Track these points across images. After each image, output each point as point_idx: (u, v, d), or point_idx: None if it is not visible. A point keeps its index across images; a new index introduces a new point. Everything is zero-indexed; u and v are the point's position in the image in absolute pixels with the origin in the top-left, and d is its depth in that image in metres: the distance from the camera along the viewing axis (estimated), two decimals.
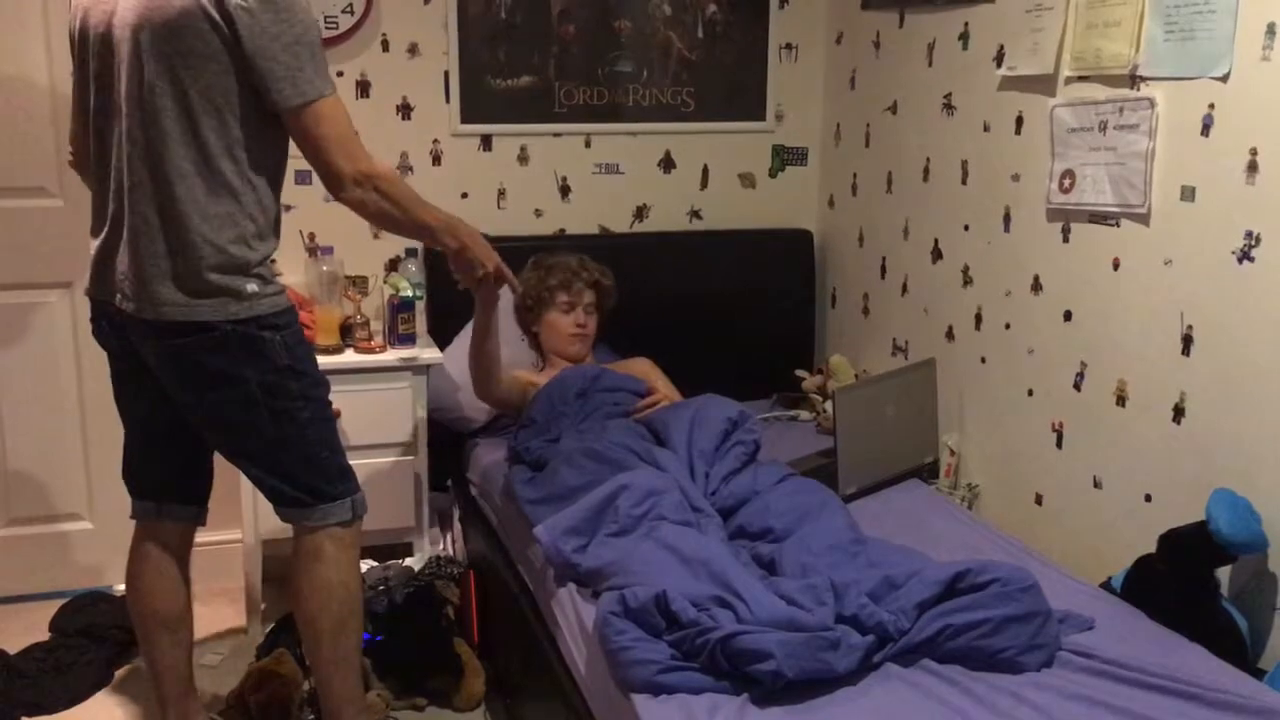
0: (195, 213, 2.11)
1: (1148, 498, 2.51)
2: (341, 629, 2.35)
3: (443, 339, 3.39)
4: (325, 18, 3.32)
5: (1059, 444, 2.79)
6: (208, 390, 2.21)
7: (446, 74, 3.51)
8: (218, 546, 3.27)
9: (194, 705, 2.53)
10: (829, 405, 3.53)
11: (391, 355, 3.17)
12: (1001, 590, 2.06)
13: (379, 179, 2.19)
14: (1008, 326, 2.97)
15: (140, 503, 2.43)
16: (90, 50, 2.19)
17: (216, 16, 2.04)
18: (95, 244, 2.25)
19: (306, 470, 2.28)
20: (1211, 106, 2.29)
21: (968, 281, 3.13)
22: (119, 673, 2.98)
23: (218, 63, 2.07)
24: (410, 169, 3.53)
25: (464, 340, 3.40)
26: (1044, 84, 2.76)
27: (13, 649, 2.97)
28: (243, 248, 2.16)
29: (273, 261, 2.27)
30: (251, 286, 2.16)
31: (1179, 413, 2.42)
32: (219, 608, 3.30)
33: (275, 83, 2.08)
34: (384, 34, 3.43)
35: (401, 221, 2.29)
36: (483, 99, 3.55)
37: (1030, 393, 2.88)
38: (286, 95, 2.09)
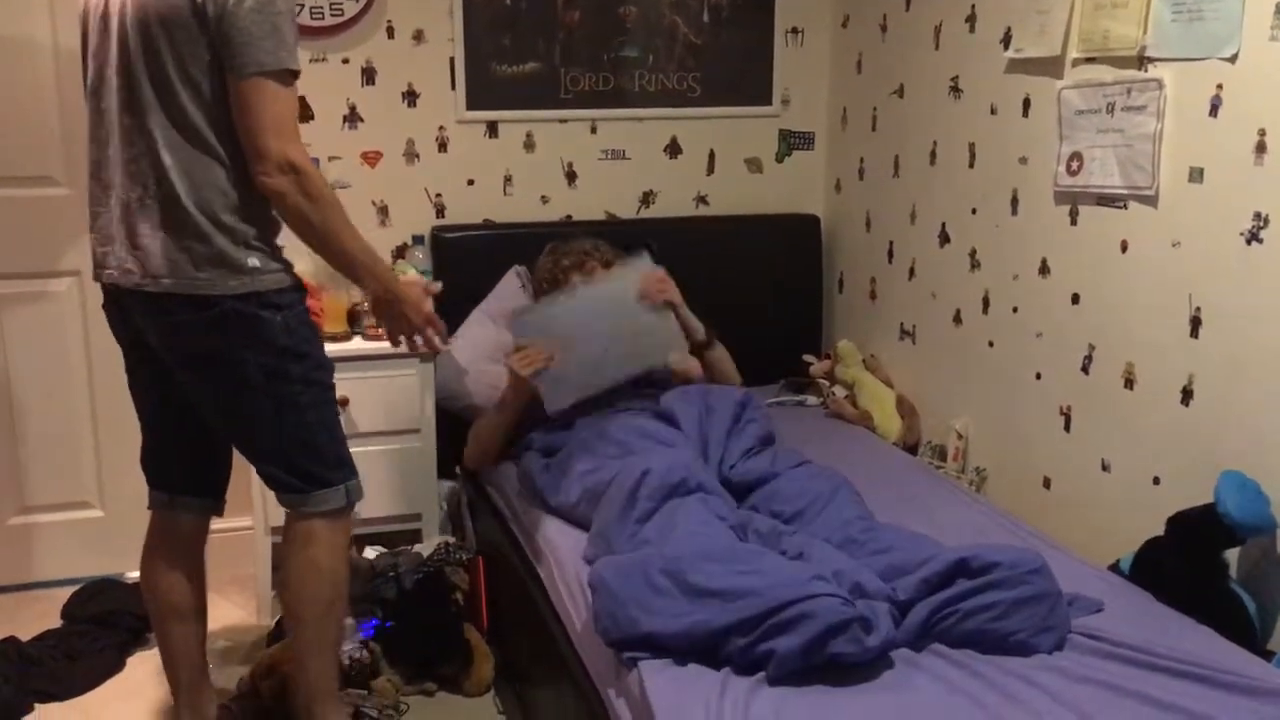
0: (186, 183, 2.10)
1: (1156, 480, 2.51)
2: (327, 613, 2.35)
3: (450, 325, 3.39)
4: (330, 4, 3.33)
5: (1067, 427, 2.79)
6: (206, 370, 2.20)
7: (452, 60, 3.50)
8: (228, 534, 3.27)
9: (207, 693, 2.54)
10: (837, 389, 3.54)
11: None
12: (1010, 573, 2.06)
13: (303, 173, 2.08)
14: (1015, 310, 2.96)
15: (155, 492, 2.44)
16: (91, 28, 2.21)
17: None
18: (95, 224, 2.24)
19: (304, 454, 2.27)
20: (1220, 87, 2.28)
21: (975, 265, 3.12)
22: (131, 660, 3.00)
23: (190, 31, 2.04)
24: (417, 156, 3.53)
25: (472, 327, 3.40)
26: (1051, 66, 2.75)
27: (25, 636, 2.99)
28: (237, 219, 2.13)
29: (281, 247, 2.26)
30: (252, 261, 2.14)
31: (1187, 395, 2.41)
32: (230, 595, 3.32)
33: (232, 49, 2.03)
34: (389, 21, 3.43)
35: (319, 232, 2.15)
36: (488, 85, 3.54)
37: (1038, 376, 2.88)
38: (240, 63, 2.03)
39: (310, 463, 2.28)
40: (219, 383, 2.21)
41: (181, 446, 2.39)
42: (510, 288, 3.44)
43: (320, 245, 2.20)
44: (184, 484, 2.42)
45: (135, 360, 2.34)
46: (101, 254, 2.23)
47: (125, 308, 2.24)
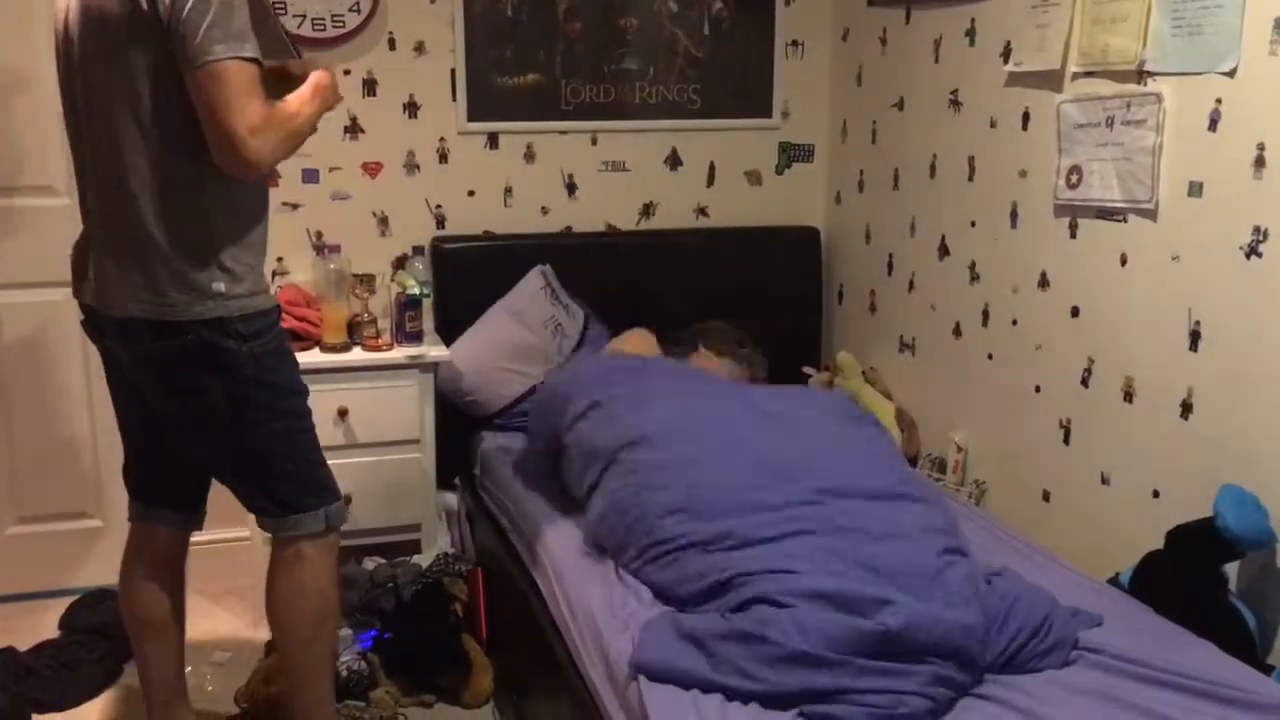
0: (149, 203, 2.04)
1: (1155, 494, 2.50)
2: (318, 634, 2.31)
3: (453, 334, 3.40)
4: (332, 16, 3.33)
5: (1066, 440, 2.79)
6: (172, 398, 2.16)
7: (453, 72, 3.51)
8: (225, 545, 3.28)
9: (182, 711, 2.49)
10: None
11: (399, 353, 3.18)
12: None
13: (265, 129, 1.98)
14: (1015, 323, 2.96)
15: (133, 504, 2.41)
16: (58, 48, 2.16)
17: None
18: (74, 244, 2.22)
19: (275, 482, 2.23)
20: (1219, 101, 2.29)
21: (975, 278, 3.12)
22: (128, 670, 2.99)
23: (146, 39, 1.97)
24: (417, 167, 3.54)
25: (490, 325, 3.39)
26: (1051, 80, 2.76)
27: (23, 647, 2.98)
28: (206, 240, 2.08)
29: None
30: (219, 285, 2.08)
31: (1187, 409, 2.41)
32: (228, 605, 3.31)
33: (183, 42, 1.93)
34: (390, 32, 3.44)
35: (299, 142, 2.11)
36: (489, 97, 3.55)
37: (1038, 389, 2.88)
38: (191, 54, 1.93)
39: (284, 490, 2.24)
40: (184, 410, 2.17)
41: (159, 460, 2.34)
42: (533, 286, 3.45)
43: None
44: (161, 496, 2.38)
45: (113, 375, 2.30)
46: (76, 275, 2.20)
47: (99, 328, 2.20)
